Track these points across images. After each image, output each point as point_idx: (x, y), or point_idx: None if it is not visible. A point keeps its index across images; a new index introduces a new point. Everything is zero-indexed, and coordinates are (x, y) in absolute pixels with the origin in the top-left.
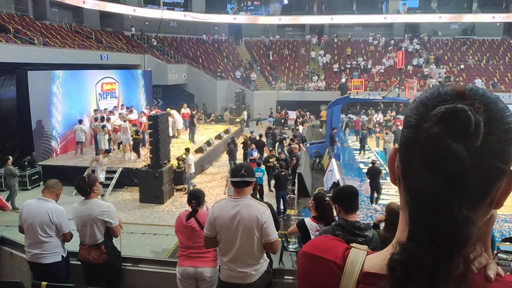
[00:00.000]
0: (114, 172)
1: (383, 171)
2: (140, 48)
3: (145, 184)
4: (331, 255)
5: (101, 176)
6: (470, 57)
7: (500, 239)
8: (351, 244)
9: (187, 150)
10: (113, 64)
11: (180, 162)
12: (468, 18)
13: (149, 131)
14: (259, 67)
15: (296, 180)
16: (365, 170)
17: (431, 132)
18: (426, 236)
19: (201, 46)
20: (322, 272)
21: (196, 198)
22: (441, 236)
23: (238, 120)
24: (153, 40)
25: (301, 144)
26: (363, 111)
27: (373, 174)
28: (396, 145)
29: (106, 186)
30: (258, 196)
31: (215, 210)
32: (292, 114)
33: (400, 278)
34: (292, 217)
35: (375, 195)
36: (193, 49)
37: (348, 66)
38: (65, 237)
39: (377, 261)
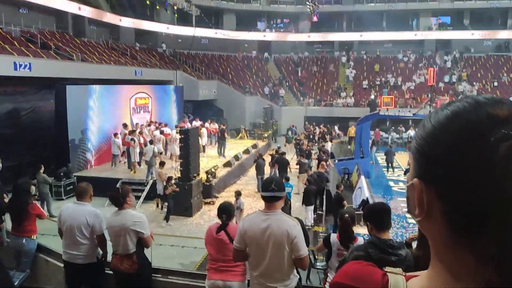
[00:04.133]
0: (145, 184)
1: None
2: (173, 64)
3: (175, 196)
4: (368, 284)
5: (160, 188)
6: (505, 74)
7: None
8: (385, 269)
9: (239, 194)
10: (146, 79)
11: (209, 176)
12: (503, 34)
13: (180, 144)
14: (287, 83)
15: (324, 197)
16: (395, 188)
17: (503, 163)
18: None
19: (231, 63)
20: None
21: (226, 211)
22: None
23: (266, 135)
24: (185, 57)
25: (329, 161)
26: (393, 128)
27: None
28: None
29: (137, 198)
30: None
31: (245, 223)
32: (317, 130)
33: None
34: (320, 234)
35: None
36: (223, 65)
37: (378, 82)
38: (99, 239)
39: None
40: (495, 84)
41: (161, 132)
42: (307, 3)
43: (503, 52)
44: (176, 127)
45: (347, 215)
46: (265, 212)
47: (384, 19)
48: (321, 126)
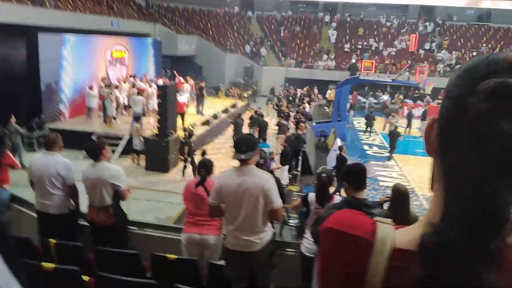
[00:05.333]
0: (121, 138)
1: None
2: (151, 17)
3: (151, 152)
4: (359, 230)
5: (136, 143)
6: (484, 45)
7: None
8: (375, 218)
9: (203, 153)
10: (123, 31)
11: (186, 133)
12: (486, 4)
13: (158, 100)
14: (269, 43)
15: (300, 158)
16: (369, 152)
17: (478, 109)
18: (465, 219)
19: (212, 18)
20: (350, 249)
21: (205, 166)
22: (481, 220)
23: (246, 95)
24: (164, 10)
25: (307, 123)
26: (371, 93)
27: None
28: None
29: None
30: None
31: (221, 179)
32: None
33: (432, 260)
34: (294, 193)
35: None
36: (204, 20)
37: (360, 46)
38: (70, 190)
39: (406, 237)
40: (474, 53)
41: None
42: None
43: (484, 22)
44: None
45: (324, 175)
46: (239, 168)
47: None
48: (304, 89)
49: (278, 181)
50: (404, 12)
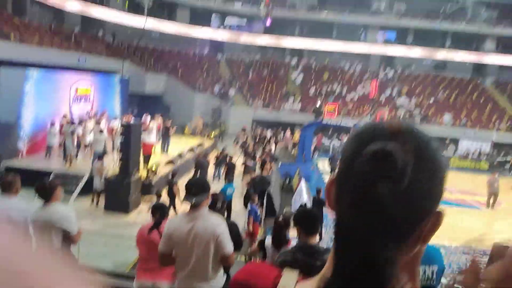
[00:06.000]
0: (81, 177)
1: None
2: (120, 54)
3: (112, 192)
4: (261, 282)
5: (97, 183)
6: (441, 92)
7: (457, 271)
8: (283, 270)
9: (159, 195)
10: (90, 68)
11: (150, 173)
12: (441, 55)
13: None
14: (237, 84)
15: (264, 200)
16: None
17: (360, 171)
18: (349, 274)
19: (182, 58)
20: None
21: (160, 210)
22: (363, 276)
23: (212, 135)
24: (134, 49)
25: (272, 164)
26: (336, 135)
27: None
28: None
29: (71, 192)
30: (226, 213)
31: (170, 226)
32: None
33: None
34: (258, 236)
35: None
36: (174, 60)
37: (324, 91)
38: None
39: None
40: (431, 101)
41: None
42: (261, 5)
43: (440, 72)
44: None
45: (281, 218)
46: (189, 213)
47: (335, 29)
48: (270, 131)
49: (235, 226)
50: (366, 59)
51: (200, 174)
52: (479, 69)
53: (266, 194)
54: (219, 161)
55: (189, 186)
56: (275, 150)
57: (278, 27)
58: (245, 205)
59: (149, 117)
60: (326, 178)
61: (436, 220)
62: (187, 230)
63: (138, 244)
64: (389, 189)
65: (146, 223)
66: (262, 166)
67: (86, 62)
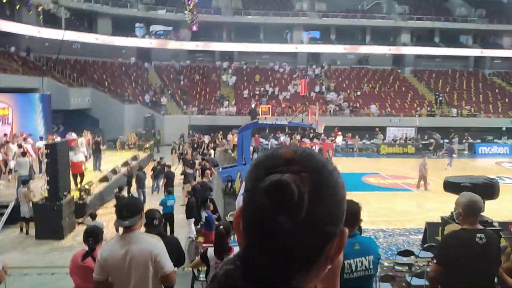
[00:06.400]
0: (6, 206)
1: None
2: (39, 70)
3: (42, 218)
4: None
5: (25, 210)
6: (365, 85)
7: (396, 253)
8: None
9: (93, 216)
10: (6, 87)
11: (83, 193)
12: (363, 49)
13: (46, 160)
14: (169, 92)
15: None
16: None
17: (259, 205)
18: None
19: (107, 70)
20: None
21: (93, 235)
22: None
23: (147, 146)
24: (53, 63)
25: (213, 169)
26: (272, 135)
27: None
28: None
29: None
30: (168, 227)
31: (104, 251)
32: (206, 139)
33: None
34: (204, 244)
35: None
36: (99, 72)
37: (257, 92)
38: None
39: None
40: (358, 93)
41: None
42: (185, 12)
43: (363, 65)
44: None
45: (221, 227)
46: (123, 236)
47: (262, 31)
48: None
49: (176, 241)
50: (294, 59)
51: (138, 187)
52: (398, 60)
53: (209, 201)
54: (157, 172)
55: (120, 209)
56: (214, 155)
57: (206, 32)
58: (187, 216)
59: (73, 134)
60: None
61: (340, 239)
62: (122, 255)
63: (72, 274)
64: (289, 221)
65: (79, 250)
66: (203, 173)
67: (1, 81)
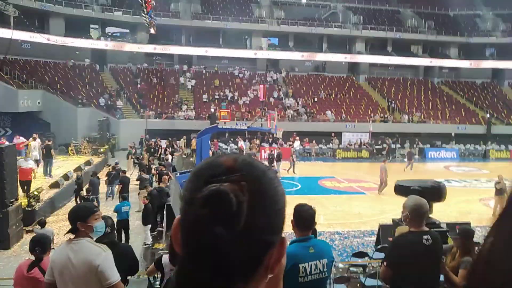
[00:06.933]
0: None
1: None
2: None
3: None
4: None
5: None
6: (322, 91)
7: (351, 254)
8: None
9: (42, 224)
10: None
11: (32, 200)
12: (320, 57)
13: None
14: (126, 95)
15: (164, 212)
16: None
17: (197, 215)
18: None
19: (59, 71)
20: None
21: (40, 244)
22: None
23: (102, 150)
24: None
25: (171, 174)
26: (231, 139)
27: None
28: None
29: None
30: (123, 234)
31: (54, 254)
32: (164, 143)
33: None
34: (160, 251)
35: None
36: (50, 73)
37: (217, 96)
38: None
39: None
40: (315, 99)
41: None
42: (143, 15)
43: (321, 72)
44: None
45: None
46: (69, 243)
47: (221, 36)
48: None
49: (130, 250)
50: (254, 64)
51: (91, 193)
52: (353, 68)
53: (166, 207)
54: (112, 178)
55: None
56: (172, 160)
57: (164, 35)
58: (143, 222)
59: (21, 138)
60: None
61: (280, 248)
62: (66, 262)
63: (17, 286)
64: (226, 232)
65: (25, 260)
66: (160, 178)
67: None
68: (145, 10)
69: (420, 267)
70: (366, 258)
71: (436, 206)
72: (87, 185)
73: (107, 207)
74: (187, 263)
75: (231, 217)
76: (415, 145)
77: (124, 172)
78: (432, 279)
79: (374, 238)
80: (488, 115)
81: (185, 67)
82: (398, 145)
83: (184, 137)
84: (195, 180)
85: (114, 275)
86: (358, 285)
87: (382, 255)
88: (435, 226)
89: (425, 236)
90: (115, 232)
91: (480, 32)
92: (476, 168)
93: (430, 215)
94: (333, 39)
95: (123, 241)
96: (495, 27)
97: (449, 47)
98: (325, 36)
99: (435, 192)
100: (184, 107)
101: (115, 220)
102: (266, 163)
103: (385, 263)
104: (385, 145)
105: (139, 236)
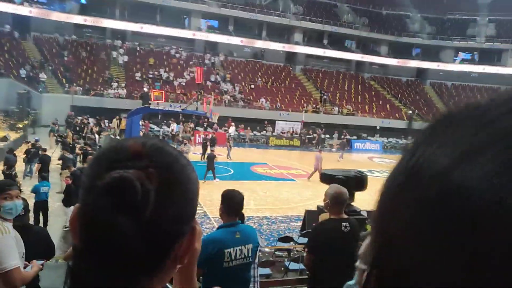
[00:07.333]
0: None
1: None
2: None
3: None
4: None
5: None
6: (259, 79)
7: (277, 239)
8: None
9: None
10: None
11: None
12: (259, 43)
13: None
14: (50, 67)
15: None
16: None
17: (98, 204)
18: None
19: None
20: None
21: None
22: None
23: (20, 125)
24: None
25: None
26: (164, 121)
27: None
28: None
29: None
30: (41, 216)
31: None
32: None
33: None
34: None
35: None
36: None
37: (151, 76)
38: None
39: None
40: (252, 86)
41: None
42: None
43: (259, 59)
44: None
45: None
46: None
47: (158, 13)
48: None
49: (44, 234)
50: (192, 45)
51: (6, 171)
52: (291, 58)
53: None
54: (31, 156)
55: None
56: (99, 140)
57: (97, 7)
58: (65, 204)
59: None
60: None
61: (191, 237)
62: None
63: None
64: (130, 222)
65: None
66: (84, 158)
67: None
68: None
69: (337, 252)
70: (292, 242)
71: (359, 194)
72: (2, 162)
73: (24, 187)
74: (84, 259)
75: (135, 207)
76: (342, 136)
77: (45, 150)
78: (348, 264)
79: (300, 223)
80: (410, 112)
81: (118, 43)
82: (328, 136)
83: (117, 117)
84: (97, 165)
85: (7, 262)
86: (283, 268)
87: (306, 240)
88: (356, 213)
89: (344, 223)
90: (30, 214)
91: (408, 32)
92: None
93: (352, 203)
94: (273, 27)
95: (42, 223)
96: (422, 29)
97: (379, 44)
98: (265, 23)
99: (357, 182)
100: (115, 84)
101: (33, 201)
102: (200, 147)
103: (306, 249)
104: (315, 135)
105: (59, 218)
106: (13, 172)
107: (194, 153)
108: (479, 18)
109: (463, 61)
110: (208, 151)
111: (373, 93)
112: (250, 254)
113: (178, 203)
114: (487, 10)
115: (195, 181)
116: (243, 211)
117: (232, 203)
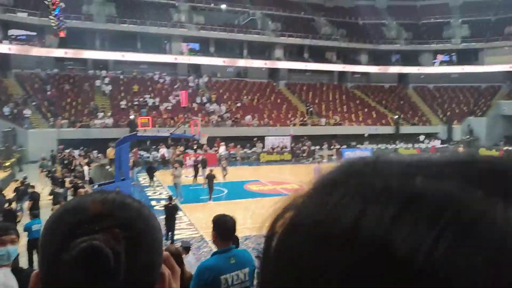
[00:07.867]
0: None
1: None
2: None
3: None
4: None
5: None
6: (245, 97)
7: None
8: None
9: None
10: None
11: None
12: (241, 62)
13: None
14: (34, 103)
15: None
16: (157, 207)
17: (69, 274)
18: None
19: None
20: None
21: None
22: None
23: (7, 163)
24: None
25: (87, 187)
26: (154, 147)
27: (170, 211)
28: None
29: None
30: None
31: None
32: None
33: None
34: None
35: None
36: None
37: (136, 103)
38: None
39: None
40: (239, 105)
41: None
42: (50, 17)
43: (242, 78)
44: None
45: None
46: None
47: (139, 40)
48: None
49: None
50: (174, 69)
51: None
52: (273, 74)
53: None
54: (20, 194)
55: None
56: (89, 171)
57: (76, 39)
58: None
59: None
60: (149, 191)
61: (162, 283)
62: None
63: None
64: (108, 285)
65: None
66: (75, 192)
67: None
68: (52, 12)
69: None
70: None
71: None
72: None
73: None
74: None
75: (110, 274)
76: (332, 147)
77: (33, 187)
78: None
79: None
80: (396, 117)
81: (102, 72)
82: (318, 147)
83: (111, 147)
84: (57, 231)
85: None
86: None
87: None
88: None
89: None
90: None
91: (386, 40)
92: None
93: None
94: (253, 46)
95: (35, 262)
96: (399, 35)
97: (359, 54)
98: (245, 42)
99: None
100: (101, 114)
101: (26, 239)
102: (191, 170)
103: None
104: (304, 148)
105: None
106: (13, 208)
107: (186, 176)
108: (453, 20)
109: (442, 63)
110: (200, 173)
111: (357, 102)
112: (247, 278)
113: (147, 255)
114: (459, 12)
115: (159, 229)
116: (237, 233)
117: (224, 229)
